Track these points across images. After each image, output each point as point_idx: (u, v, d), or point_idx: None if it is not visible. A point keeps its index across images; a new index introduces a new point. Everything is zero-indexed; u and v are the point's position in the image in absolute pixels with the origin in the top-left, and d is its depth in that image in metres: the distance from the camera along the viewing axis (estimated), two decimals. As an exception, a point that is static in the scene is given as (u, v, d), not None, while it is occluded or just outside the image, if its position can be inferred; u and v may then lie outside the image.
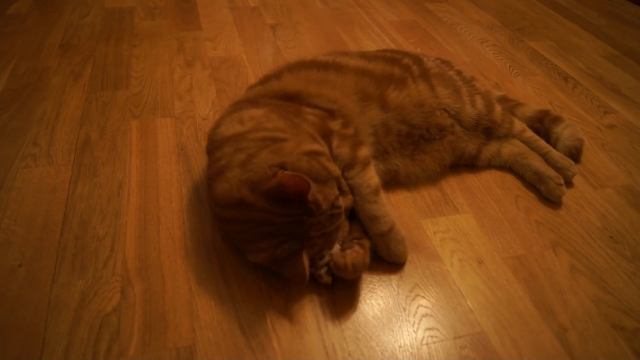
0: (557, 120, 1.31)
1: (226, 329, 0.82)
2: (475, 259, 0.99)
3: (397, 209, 1.09)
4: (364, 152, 0.98)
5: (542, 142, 1.24)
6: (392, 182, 1.13)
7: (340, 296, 0.89)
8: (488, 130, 1.22)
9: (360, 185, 0.94)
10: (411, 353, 0.81)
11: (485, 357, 0.81)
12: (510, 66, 1.75)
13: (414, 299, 0.90)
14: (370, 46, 1.80)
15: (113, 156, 1.17)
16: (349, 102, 1.06)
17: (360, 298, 0.89)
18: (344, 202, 0.87)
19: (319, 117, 1.00)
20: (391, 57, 1.21)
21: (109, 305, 0.84)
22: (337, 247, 0.89)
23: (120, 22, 1.83)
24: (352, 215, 0.96)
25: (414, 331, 0.85)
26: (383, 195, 0.96)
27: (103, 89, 1.42)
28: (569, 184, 1.19)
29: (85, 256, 0.92)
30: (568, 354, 0.83)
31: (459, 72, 1.29)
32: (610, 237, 1.07)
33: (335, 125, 0.99)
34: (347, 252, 0.87)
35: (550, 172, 1.16)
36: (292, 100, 1.04)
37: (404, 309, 0.88)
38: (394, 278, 0.93)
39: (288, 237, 0.81)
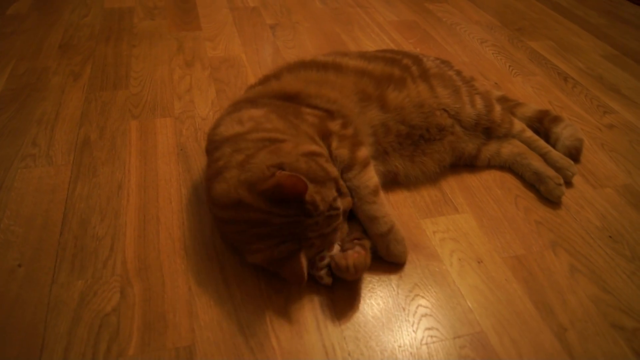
0: (556, 120, 1.31)
1: (225, 329, 0.82)
2: (475, 258, 0.99)
3: (396, 209, 1.09)
4: (363, 152, 0.98)
5: (541, 142, 1.24)
6: (391, 182, 1.13)
7: (340, 296, 0.89)
8: (488, 130, 1.22)
9: (359, 186, 0.94)
10: (411, 353, 0.81)
11: (484, 357, 0.81)
12: (509, 66, 1.75)
13: (413, 299, 0.90)
14: (370, 46, 1.80)
15: (112, 156, 1.17)
16: (348, 102, 1.06)
17: (360, 298, 0.89)
18: (342, 203, 0.87)
19: (319, 117, 1.00)
20: (391, 58, 1.21)
21: (109, 305, 0.84)
22: (336, 248, 0.89)
23: (119, 22, 1.83)
24: (352, 215, 0.96)
25: (413, 331, 0.85)
26: (382, 196, 0.96)
27: (102, 89, 1.42)
28: (568, 183, 1.19)
29: (85, 256, 0.92)
30: (567, 354, 0.83)
31: (458, 72, 1.29)
32: (610, 236, 1.07)
33: (334, 125, 1.00)
34: (348, 253, 0.87)
35: (550, 172, 1.16)
36: (291, 100, 1.04)
37: (404, 309, 0.88)
38: (394, 278, 0.93)
39: (286, 238, 0.80)
